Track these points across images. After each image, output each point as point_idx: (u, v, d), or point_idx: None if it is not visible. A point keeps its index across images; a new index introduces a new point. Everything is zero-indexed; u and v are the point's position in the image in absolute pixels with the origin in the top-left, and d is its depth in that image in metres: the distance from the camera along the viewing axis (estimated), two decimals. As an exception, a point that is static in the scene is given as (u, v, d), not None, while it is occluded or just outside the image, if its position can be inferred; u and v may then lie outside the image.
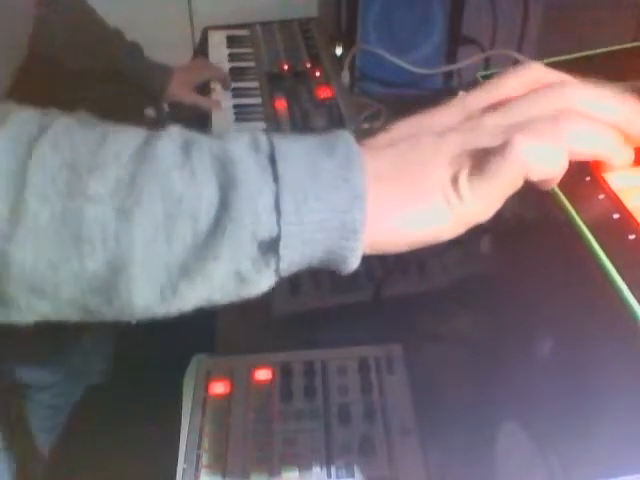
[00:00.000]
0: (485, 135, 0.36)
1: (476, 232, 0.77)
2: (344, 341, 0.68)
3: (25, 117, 0.35)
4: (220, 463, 0.58)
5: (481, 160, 0.35)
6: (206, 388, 0.64)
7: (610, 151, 0.38)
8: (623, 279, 0.35)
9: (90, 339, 1.01)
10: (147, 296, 0.34)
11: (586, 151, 0.37)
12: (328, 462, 0.57)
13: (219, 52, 1.26)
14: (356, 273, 0.74)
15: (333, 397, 0.63)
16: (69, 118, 0.35)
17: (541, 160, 0.35)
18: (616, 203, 0.39)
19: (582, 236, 0.38)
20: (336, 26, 1.22)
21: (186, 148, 0.34)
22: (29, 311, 0.35)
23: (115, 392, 0.97)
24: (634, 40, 0.52)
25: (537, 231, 0.52)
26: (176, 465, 0.58)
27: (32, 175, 0.32)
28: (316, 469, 0.57)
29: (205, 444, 0.59)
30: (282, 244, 0.33)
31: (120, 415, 0.95)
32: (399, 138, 0.37)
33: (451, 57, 1.10)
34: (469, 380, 0.64)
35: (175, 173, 0.33)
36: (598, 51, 0.51)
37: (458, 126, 0.37)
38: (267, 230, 0.33)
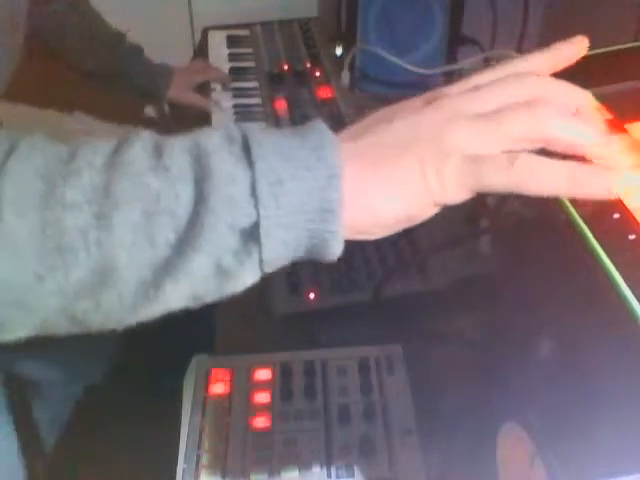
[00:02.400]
0: (461, 121, 0.35)
1: (476, 232, 0.78)
2: (344, 341, 0.68)
3: None
4: (220, 463, 0.58)
5: (476, 162, 0.35)
6: (206, 388, 0.64)
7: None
8: (623, 279, 0.35)
9: (90, 339, 1.01)
10: (133, 298, 0.34)
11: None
12: (328, 462, 0.57)
13: (219, 52, 1.26)
14: (356, 273, 0.75)
15: (333, 397, 0.63)
16: (36, 135, 0.35)
17: (540, 182, 0.34)
18: (616, 203, 0.39)
19: (582, 236, 0.38)
20: (336, 26, 1.22)
21: (158, 149, 0.34)
22: (16, 327, 0.35)
23: (115, 392, 0.97)
24: (634, 40, 0.52)
25: (537, 231, 0.52)
26: (176, 465, 0.58)
27: (6, 191, 0.32)
28: (316, 469, 0.57)
29: (205, 444, 0.59)
30: (262, 230, 0.33)
31: (120, 415, 0.95)
32: (376, 123, 0.37)
33: (451, 57, 1.10)
34: (469, 380, 0.64)
35: (149, 173, 0.33)
36: (598, 51, 0.51)
37: (437, 105, 0.37)
38: (245, 217, 0.33)
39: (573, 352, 0.48)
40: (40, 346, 0.92)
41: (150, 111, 1.35)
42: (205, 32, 1.32)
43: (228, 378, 0.65)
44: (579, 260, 0.38)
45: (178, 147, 0.34)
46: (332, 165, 0.34)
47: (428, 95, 0.38)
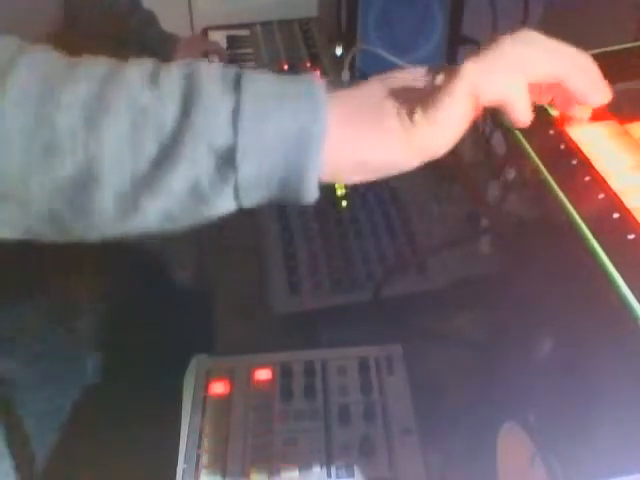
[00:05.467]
0: (442, 74, 0.39)
1: (476, 232, 0.78)
2: (344, 341, 0.68)
3: (4, 39, 0.37)
4: (220, 463, 0.58)
5: (436, 88, 0.37)
6: (206, 388, 0.64)
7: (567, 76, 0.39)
8: (623, 279, 0.35)
9: (89, 332, 1.01)
10: (112, 207, 0.35)
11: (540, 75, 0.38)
12: (328, 462, 0.57)
13: (219, 52, 1.26)
14: (356, 273, 0.75)
15: (333, 397, 0.63)
16: (45, 46, 0.37)
17: (491, 81, 0.36)
18: (616, 203, 0.39)
19: (582, 236, 0.38)
20: (336, 26, 1.22)
21: (155, 70, 0.36)
22: (3, 223, 0.36)
23: (115, 392, 0.97)
24: (634, 40, 0.52)
25: (537, 231, 0.52)
26: (176, 465, 0.58)
27: (9, 86, 0.34)
28: (316, 469, 0.57)
29: (205, 444, 0.59)
30: (238, 153, 0.34)
31: (120, 415, 0.95)
32: (363, 83, 0.40)
33: (451, 57, 1.10)
34: (469, 380, 0.64)
35: (142, 87, 0.35)
36: (598, 51, 0.51)
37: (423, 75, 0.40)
38: (224, 139, 0.34)
39: (573, 352, 0.48)
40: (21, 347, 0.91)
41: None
42: (205, 32, 1.32)
43: (228, 378, 0.65)
44: (579, 260, 0.38)
45: (174, 69, 0.36)
46: (318, 102, 0.35)
47: (419, 67, 0.41)
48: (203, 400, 0.63)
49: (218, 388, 0.64)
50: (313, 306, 0.72)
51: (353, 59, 1.09)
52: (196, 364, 0.67)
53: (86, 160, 0.34)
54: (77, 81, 0.35)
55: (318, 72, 0.39)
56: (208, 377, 0.65)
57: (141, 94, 0.35)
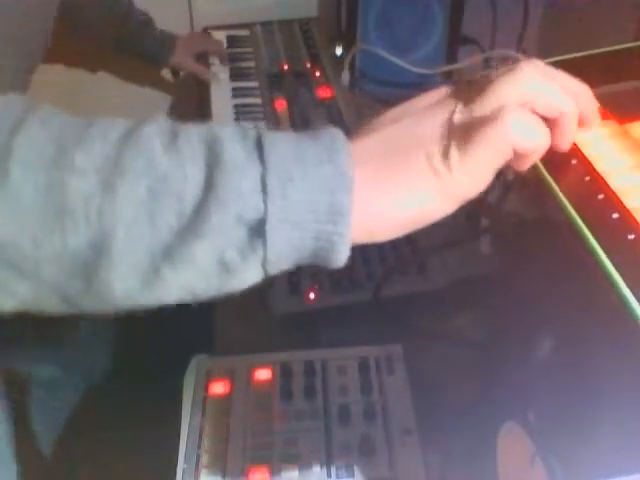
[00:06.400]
0: (469, 107, 0.36)
1: (476, 232, 0.77)
2: (344, 341, 0.68)
3: (11, 97, 0.35)
4: (220, 463, 0.58)
5: (471, 130, 0.35)
6: (206, 388, 0.64)
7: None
8: (623, 279, 0.35)
9: (88, 332, 1.01)
10: (128, 280, 0.33)
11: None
12: (328, 462, 0.57)
13: (219, 52, 1.26)
14: (356, 273, 0.75)
15: (333, 397, 0.63)
16: (54, 107, 0.35)
17: (527, 130, 0.35)
18: (616, 203, 0.39)
19: (582, 236, 0.38)
20: (336, 26, 1.22)
21: (173, 131, 0.34)
22: (7, 294, 0.34)
23: (115, 392, 0.97)
24: (634, 40, 0.52)
25: (537, 231, 0.52)
26: (176, 465, 0.58)
27: (18, 148, 0.32)
28: (316, 469, 0.57)
29: (205, 444, 0.59)
30: (268, 225, 0.32)
31: (120, 415, 0.95)
32: (383, 124, 0.37)
33: (451, 57, 1.10)
34: (469, 380, 0.64)
35: (161, 152, 0.33)
36: (598, 51, 0.51)
37: (440, 103, 0.37)
38: (253, 210, 0.32)
39: (573, 352, 0.48)
40: (39, 344, 0.92)
41: (167, 73, 1.36)
42: (205, 32, 1.32)
43: (228, 378, 0.65)
44: (579, 260, 0.38)
45: (193, 132, 0.34)
46: (343, 167, 0.33)
47: (436, 92, 0.39)
48: (203, 400, 0.63)
49: (218, 388, 0.64)
50: (313, 306, 0.72)
51: (353, 59, 1.10)
52: (196, 364, 0.67)
53: (100, 227, 0.32)
54: (91, 142, 0.32)
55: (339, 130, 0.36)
56: (208, 377, 0.65)
57: (160, 159, 0.32)
